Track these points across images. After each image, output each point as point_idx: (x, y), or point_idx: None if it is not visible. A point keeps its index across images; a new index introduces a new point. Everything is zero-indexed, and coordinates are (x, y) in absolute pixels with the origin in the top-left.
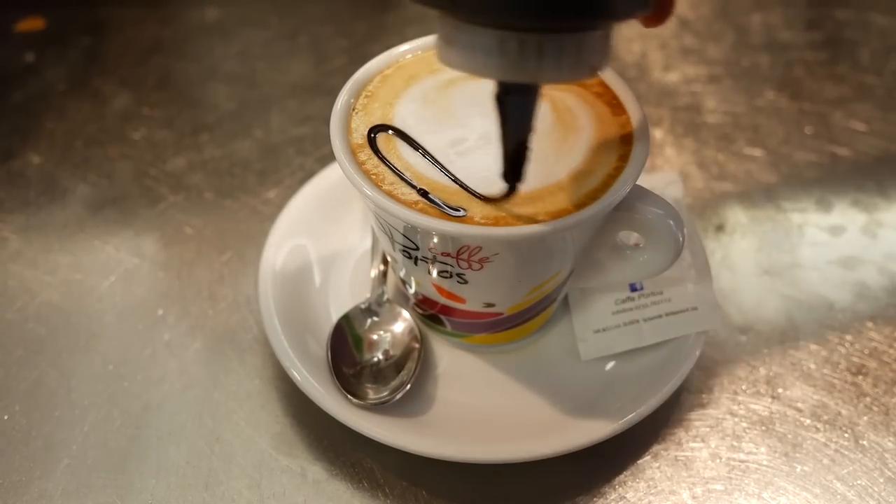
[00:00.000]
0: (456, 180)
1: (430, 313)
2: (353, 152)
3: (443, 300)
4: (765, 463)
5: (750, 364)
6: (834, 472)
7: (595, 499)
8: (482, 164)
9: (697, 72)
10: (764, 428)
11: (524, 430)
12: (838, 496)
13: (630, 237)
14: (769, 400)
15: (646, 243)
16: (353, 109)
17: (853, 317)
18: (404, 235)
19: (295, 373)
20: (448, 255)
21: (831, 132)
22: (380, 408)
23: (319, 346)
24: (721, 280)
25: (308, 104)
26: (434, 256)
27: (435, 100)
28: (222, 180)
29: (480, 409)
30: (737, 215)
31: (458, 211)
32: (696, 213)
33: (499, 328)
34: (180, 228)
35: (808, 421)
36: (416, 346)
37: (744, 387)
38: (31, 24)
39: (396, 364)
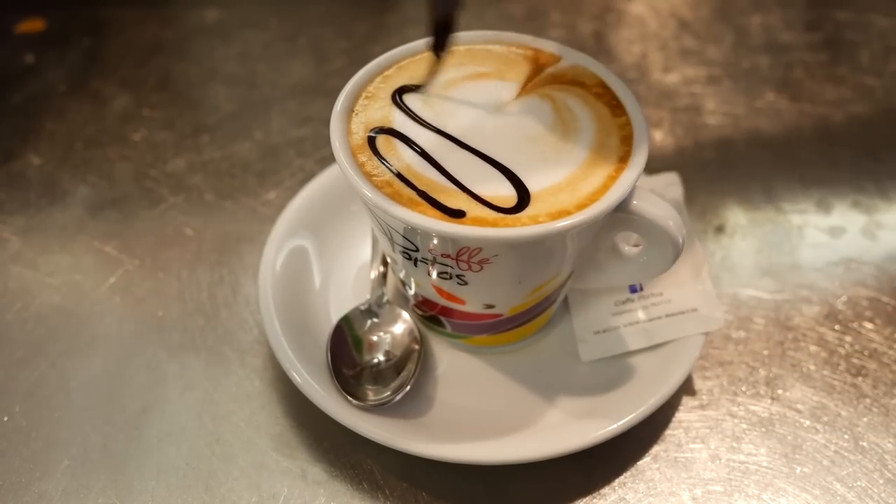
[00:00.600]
0: (455, 181)
1: (430, 314)
2: (352, 154)
3: (443, 301)
4: (764, 464)
5: (750, 365)
6: (834, 473)
7: (595, 500)
8: (481, 166)
9: (697, 73)
10: (764, 429)
11: (524, 432)
12: (838, 497)
13: (630, 238)
14: (769, 401)
15: (645, 244)
16: (353, 111)
17: (853, 318)
18: (404, 237)
19: (295, 374)
20: (448, 256)
21: (831, 134)
22: (380, 409)
23: (319, 348)
24: (721, 281)
25: (308, 105)
26: (434, 258)
27: (435, 101)
28: (222, 181)
29: (480, 411)
30: (736, 216)
31: (458, 212)
32: (695, 215)
33: (499, 329)
34: (180, 230)
35: (808, 422)
36: (416, 347)
37: (743, 388)
38: (32, 25)
39: (396, 365)
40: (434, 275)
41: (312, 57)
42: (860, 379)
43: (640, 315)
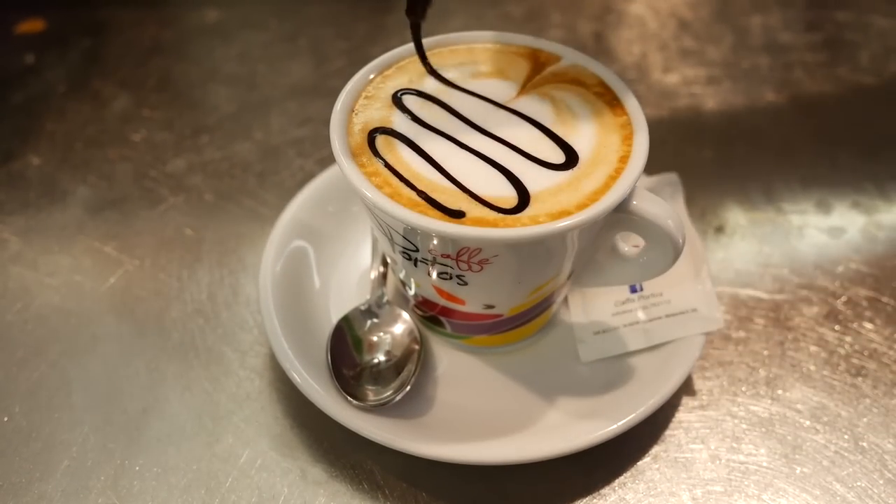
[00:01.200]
0: (455, 182)
1: (430, 315)
2: (352, 154)
3: (443, 302)
4: (764, 464)
5: (750, 366)
6: (834, 473)
7: (595, 500)
8: (481, 166)
9: (697, 73)
10: (764, 429)
11: (524, 432)
12: (838, 498)
13: (630, 239)
14: (769, 401)
15: (645, 245)
16: (353, 111)
17: (853, 318)
18: (404, 237)
19: (295, 374)
20: (448, 256)
21: (831, 134)
22: (380, 409)
23: (319, 348)
24: (721, 281)
25: (308, 106)
26: (434, 258)
27: (434, 101)
28: (222, 182)
29: (480, 411)
30: (736, 217)
31: (458, 212)
32: (695, 215)
33: (499, 330)
34: (180, 230)
35: (808, 422)
36: (416, 347)
37: (743, 388)
38: (32, 25)
39: (396, 366)
40: (434, 275)
41: (312, 57)
42: (860, 379)
43: (640, 315)
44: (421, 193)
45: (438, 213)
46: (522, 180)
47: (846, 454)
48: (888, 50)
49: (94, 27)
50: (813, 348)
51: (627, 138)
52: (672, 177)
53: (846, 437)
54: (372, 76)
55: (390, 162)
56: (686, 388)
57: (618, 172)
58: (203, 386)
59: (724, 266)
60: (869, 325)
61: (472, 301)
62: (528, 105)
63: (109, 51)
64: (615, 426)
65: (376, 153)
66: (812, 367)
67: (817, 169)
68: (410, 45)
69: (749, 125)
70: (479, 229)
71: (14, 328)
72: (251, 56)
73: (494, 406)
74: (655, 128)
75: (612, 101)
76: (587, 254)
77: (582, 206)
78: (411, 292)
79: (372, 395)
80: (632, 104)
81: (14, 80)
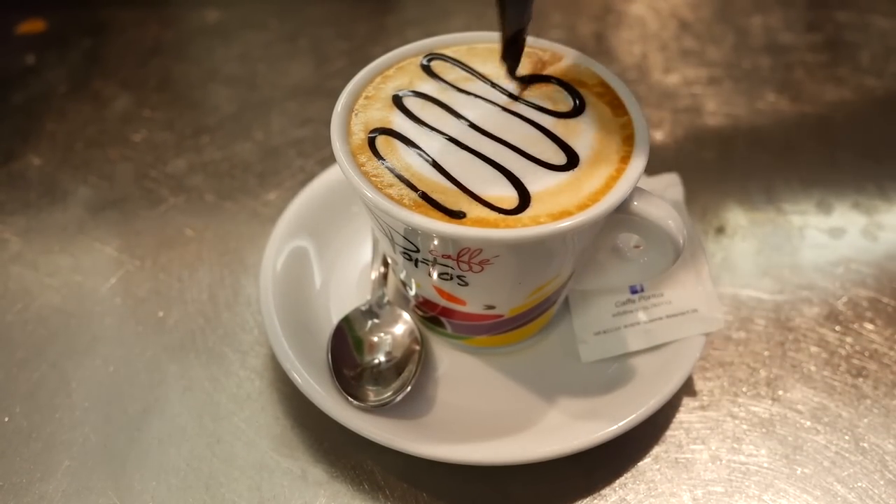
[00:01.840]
0: (456, 182)
1: (431, 315)
2: (353, 154)
3: (443, 302)
4: (765, 465)
5: (750, 366)
6: (834, 474)
7: (595, 500)
8: (482, 166)
9: (698, 74)
10: (764, 430)
11: (525, 432)
12: (839, 498)
13: (630, 239)
14: (769, 402)
15: (646, 245)
16: (354, 111)
17: (853, 319)
18: (405, 237)
19: (295, 375)
20: (448, 257)
21: (832, 135)
22: (380, 410)
23: (320, 349)
24: (721, 282)
25: (308, 106)
26: (434, 258)
27: (435, 102)
28: (223, 182)
29: (481, 411)
30: (737, 217)
31: (459, 213)
32: (696, 216)
33: (499, 330)
34: (181, 230)
35: (809, 423)
36: (417, 348)
37: (744, 389)
38: (32, 25)
39: (397, 366)
40: (435, 276)
41: (313, 58)
42: (861, 380)
43: (641, 316)
44: (421, 194)
45: (439, 214)
46: (523, 181)
47: (847, 455)
48: (889, 50)
49: (94, 27)
50: (813, 349)
51: (628, 139)
52: (672, 177)
53: (847, 437)
54: (372, 76)
55: (391, 162)
56: (687, 388)
57: (619, 173)
58: (203, 386)
59: (724, 266)
60: (870, 326)
61: (472, 302)
62: (529, 105)
63: (110, 51)
64: (616, 427)
65: (377, 153)
66: (813, 368)
67: (818, 169)
68: (411, 46)
69: (750, 125)
70: (479, 230)
71: (14, 328)
72: (252, 56)
73: (495, 406)
74: (656, 128)
75: (612, 102)
76: (588, 254)
77: (583, 207)
78: (412, 293)
79: (373, 395)
80: (632, 105)
81: (15, 80)
